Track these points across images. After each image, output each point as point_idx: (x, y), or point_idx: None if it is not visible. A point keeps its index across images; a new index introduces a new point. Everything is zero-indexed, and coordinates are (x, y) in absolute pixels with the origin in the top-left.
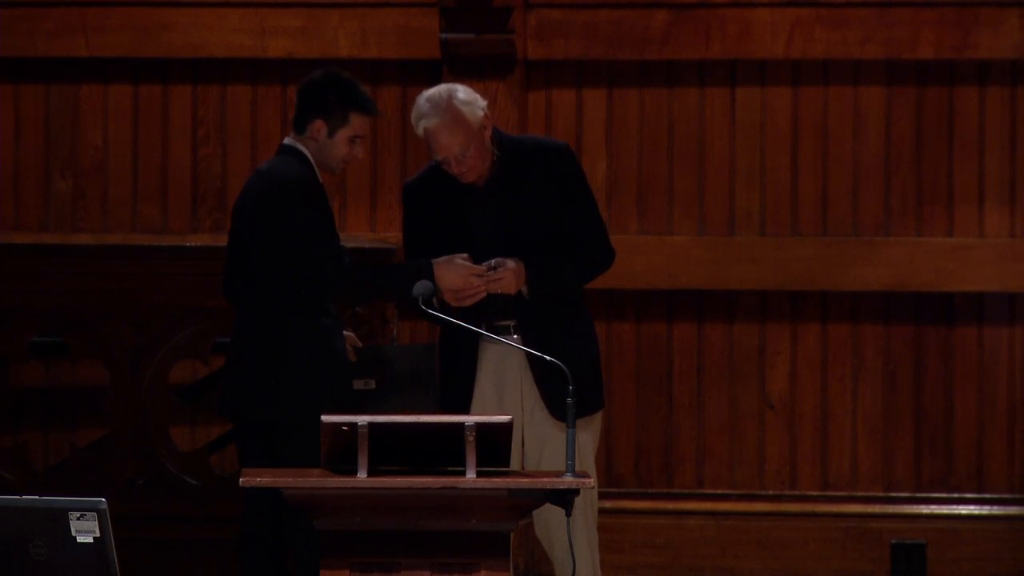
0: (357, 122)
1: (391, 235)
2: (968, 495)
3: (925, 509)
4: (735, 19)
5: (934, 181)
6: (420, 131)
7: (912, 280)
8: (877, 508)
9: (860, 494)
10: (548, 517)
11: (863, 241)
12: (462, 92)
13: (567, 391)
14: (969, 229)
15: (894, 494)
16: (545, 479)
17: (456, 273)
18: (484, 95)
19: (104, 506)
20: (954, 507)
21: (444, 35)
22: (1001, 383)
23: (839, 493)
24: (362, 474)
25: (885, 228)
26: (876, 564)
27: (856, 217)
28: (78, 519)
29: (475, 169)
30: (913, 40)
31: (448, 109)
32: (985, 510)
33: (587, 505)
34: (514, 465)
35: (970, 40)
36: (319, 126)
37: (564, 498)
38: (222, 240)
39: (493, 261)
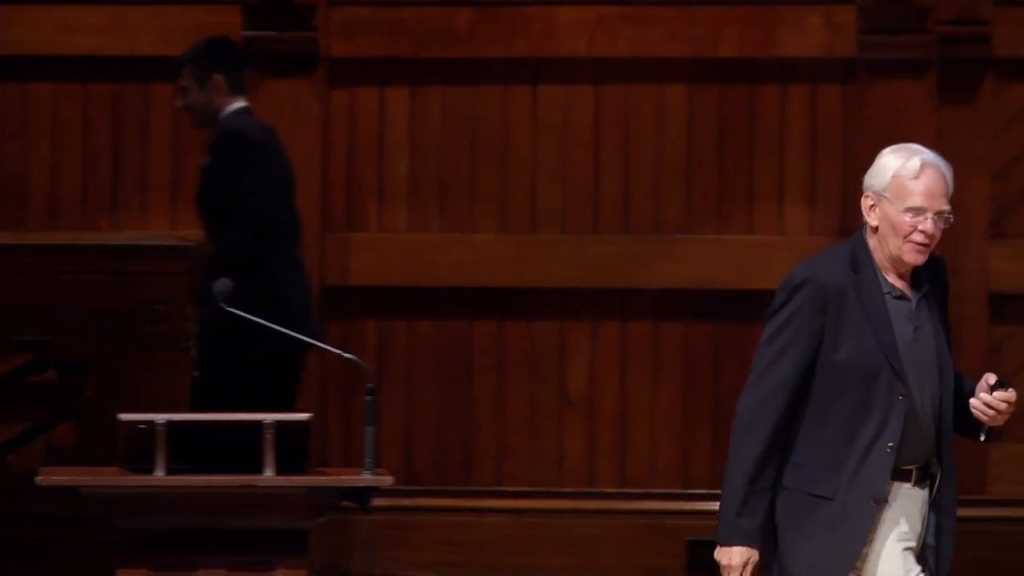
0: None
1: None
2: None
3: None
4: (539, 17)
5: (735, 179)
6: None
7: (713, 278)
8: (673, 505)
9: (658, 491)
10: None
11: (664, 239)
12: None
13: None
14: (769, 227)
15: (692, 491)
16: (343, 476)
17: None
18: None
19: None
20: None
21: (246, 32)
22: None
23: (637, 490)
24: (160, 472)
25: (686, 226)
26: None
27: (658, 215)
28: None
29: (930, 247)
30: (716, 38)
31: (946, 164)
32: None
33: None
34: None
35: (772, 38)
36: None
37: (362, 496)
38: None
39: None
